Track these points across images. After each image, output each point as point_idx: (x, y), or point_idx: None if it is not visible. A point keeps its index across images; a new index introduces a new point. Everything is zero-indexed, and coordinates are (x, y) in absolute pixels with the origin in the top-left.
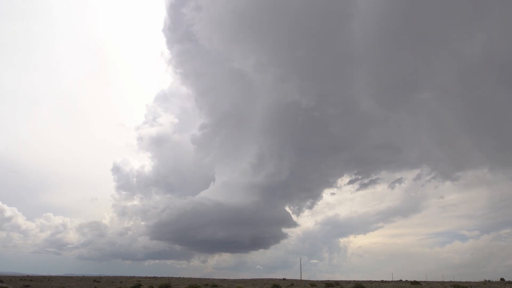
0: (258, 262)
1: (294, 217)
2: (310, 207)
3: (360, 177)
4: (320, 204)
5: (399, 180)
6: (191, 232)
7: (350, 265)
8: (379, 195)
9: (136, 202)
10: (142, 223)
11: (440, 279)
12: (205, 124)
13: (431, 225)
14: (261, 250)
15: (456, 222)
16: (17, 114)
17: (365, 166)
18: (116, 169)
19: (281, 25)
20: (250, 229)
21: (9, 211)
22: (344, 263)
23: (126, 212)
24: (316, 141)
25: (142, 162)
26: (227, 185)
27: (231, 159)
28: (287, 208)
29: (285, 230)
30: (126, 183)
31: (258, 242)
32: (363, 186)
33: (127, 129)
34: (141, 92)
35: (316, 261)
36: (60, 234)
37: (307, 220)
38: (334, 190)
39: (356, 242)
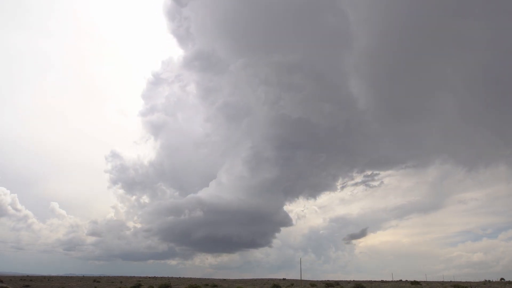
0: (260, 262)
1: (299, 215)
2: (318, 205)
3: (372, 175)
4: (329, 201)
5: (417, 177)
6: (191, 231)
7: (357, 265)
8: (394, 192)
9: (134, 199)
10: (142, 222)
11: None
12: (211, 117)
13: (448, 224)
14: (264, 250)
15: (474, 220)
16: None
17: (379, 165)
18: (113, 162)
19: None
20: (253, 228)
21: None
22: (351, 262)
23: (124, 210)
24: (332, 142)
25: (141, 155)
26: (230, 182)
27: (237, 155)
28: (291, 207)
29: (289, 229)
30: (125, 178)
31: (261, 241)
32: (373, 184)
33: (125, 115)
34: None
35: (320, 261)
36: (62, 235)
37: (314, 219)
38: (346, 188)
39: (365, 241)
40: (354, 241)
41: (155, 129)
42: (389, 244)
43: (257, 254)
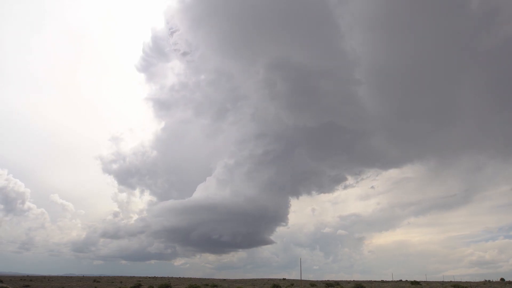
0: (265, 261)
1: (306, 213)
2: (331, 201)
3: (387, 173)
4: (342, 197)
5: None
6: (193, 231)
7: (366, 264)
8: (410, 190)
9: (137, 196)
10: (144, 221)
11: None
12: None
13: (464, 222)
14: (268, 249)
15: (493, 218)
16: None
17: (396, 163)
18: (113, 151)
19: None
20: (257, 227)
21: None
22: (360, 262)
23: (125, 208)
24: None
25: (143, 144)
26: (231, 180)
27: (242, 152)
28: (299, 204)
29: (294, 227)
30: (127, 172)
31: (264, 240)
32: (389, 181)
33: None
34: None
35: (329, 260)
36: (69, 235)
37: (324, 216)
38: (359, 185)
39: (376, 240)
40: (364, 240)
41: (160, 113)
42: (401, 243)
43: (261, 253)
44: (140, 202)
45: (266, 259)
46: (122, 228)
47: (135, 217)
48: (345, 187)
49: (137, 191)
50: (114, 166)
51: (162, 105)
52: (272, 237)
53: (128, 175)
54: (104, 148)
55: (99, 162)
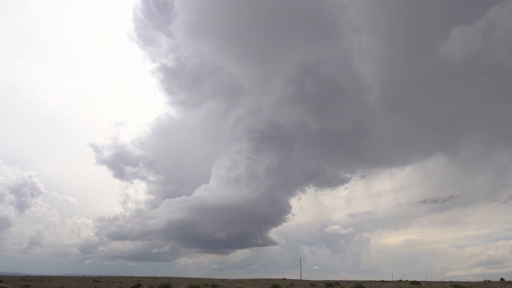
0: (267, 261)
1: (311, 211)
2: (339, 198)
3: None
4: (347, 196)
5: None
6: (192, 230)
7: (370, 264)
8: (424, 187)
9: (138, 195)
10: (142, 221)
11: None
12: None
13: (475, 221)
14: (272, 248)
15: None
16: None
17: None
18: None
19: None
20: (259, 226)
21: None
22: (366, 261)
23: (126, 206)
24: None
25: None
26: (233, 179)
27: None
28: (304, 202)
29: (299, 226)
30: (128, 167)
31: (268, 240)
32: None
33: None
34: None
35: (336, 260)
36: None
37: (331, 215)
38: (369, 181)
39: (385, 239)
40: (371, 239)
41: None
42: (411, 242)
43: (265, 253)
44: (143, 201)
45: (270, 259)
46: (124, 228)
47: (138, 216)
48: (347, 188)
49: (139, 188)
50: (114, 159)
51: (164, 88)
52: (275, 237)
53: (129, 167)
54: (103, 138)
55: (94, 151)
